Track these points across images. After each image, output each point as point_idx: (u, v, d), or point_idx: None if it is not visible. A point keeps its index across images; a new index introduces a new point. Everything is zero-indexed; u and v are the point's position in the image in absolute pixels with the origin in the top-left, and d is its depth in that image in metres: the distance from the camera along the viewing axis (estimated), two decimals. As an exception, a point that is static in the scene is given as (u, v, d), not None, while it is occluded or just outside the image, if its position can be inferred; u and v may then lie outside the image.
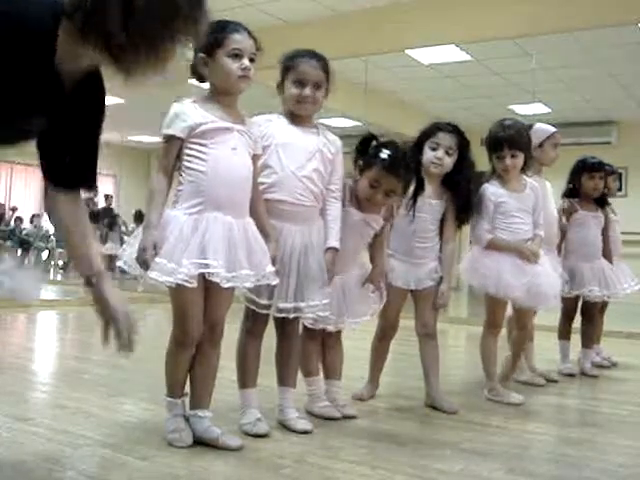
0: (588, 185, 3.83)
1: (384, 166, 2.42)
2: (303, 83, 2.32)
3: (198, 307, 2.08)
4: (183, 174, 2.09)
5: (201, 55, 2.08)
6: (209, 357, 2.16)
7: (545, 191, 3.46)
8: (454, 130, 2.78)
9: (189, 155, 2.07)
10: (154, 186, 2.05)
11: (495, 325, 3.10)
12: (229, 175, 2.09)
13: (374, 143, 2.51)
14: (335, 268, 2.39)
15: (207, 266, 1.99)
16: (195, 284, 2.00)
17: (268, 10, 6.88)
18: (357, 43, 6.90)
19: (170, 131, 2.06)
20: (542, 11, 5.96)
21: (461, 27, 6.49)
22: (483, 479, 1.96)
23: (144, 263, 1.97)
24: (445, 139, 2.75)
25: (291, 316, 2.32)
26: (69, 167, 1.63)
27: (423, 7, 6.55)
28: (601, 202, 3.92)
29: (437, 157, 2.74)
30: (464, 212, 2.86)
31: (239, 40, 2.07)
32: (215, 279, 2.02)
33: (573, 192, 3.88)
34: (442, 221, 2.85)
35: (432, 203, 2.80)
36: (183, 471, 1.90)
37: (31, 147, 1.58)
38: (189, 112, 2.06)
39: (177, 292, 2.04)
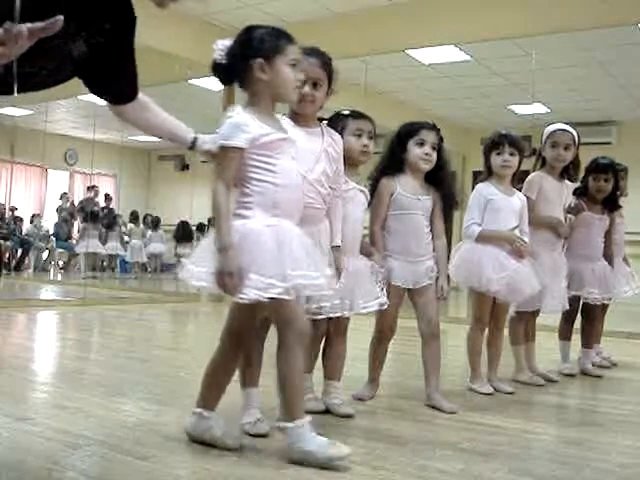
0: (592, 186, 3.85)
1: (354, 116, 2.65)
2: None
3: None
4: (249, 185, 2.03)
5: (259, 60, 2.02)
6: None
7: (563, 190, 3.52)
8: (434, 127, 2.88)
9: (255, 166, 2.02)
10: (220, 200, 1.96)
11: (481, 321, 3.23)
12: (297, 185, 2.09)
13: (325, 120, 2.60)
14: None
15: (305, 277, 1.95)
16: (294, 296, 1.97)
17: (268, 10, 6.87)
18: (357, 43, 6.89)
19: (233, 142, 1.98)
20: (542, 11, 5.96)
21: (461, 27, 6.49)
22: (483, 479, 1.96)
23: (234, 289, 1.91)
24: (429, 135, 2.85)
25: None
26: (121, 84, 1.81)
27: (423, 7, 6.55)
28: (609, 205, 3.91)
29: (426, 153, 2.83)
30: (449, 206, 2.92)
31: (296, 52, 2.08)
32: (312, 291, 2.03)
33: (579, 192, 3.87)
34: (430, 218, 2.90)
35: (422, 199, 2.86)
36: (183, 471, 1.90)
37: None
38: (249, 123, 2.00)
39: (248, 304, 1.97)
